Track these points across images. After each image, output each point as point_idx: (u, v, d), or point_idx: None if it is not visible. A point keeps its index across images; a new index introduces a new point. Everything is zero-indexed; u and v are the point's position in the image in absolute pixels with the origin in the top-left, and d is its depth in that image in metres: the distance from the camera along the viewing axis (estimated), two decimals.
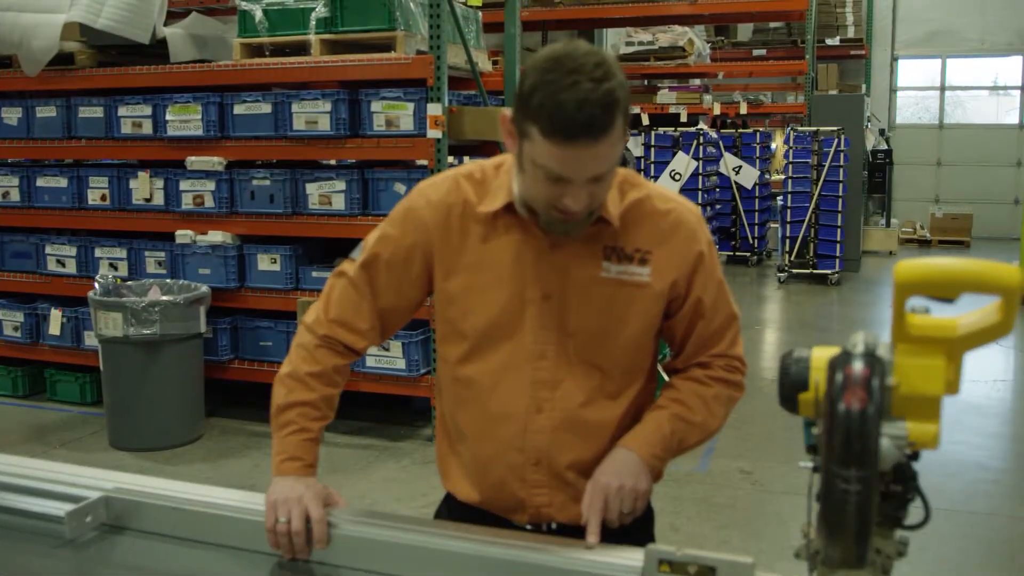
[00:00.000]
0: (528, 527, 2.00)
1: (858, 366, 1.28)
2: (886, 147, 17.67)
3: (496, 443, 1.98)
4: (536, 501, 1.98)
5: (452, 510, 2.12)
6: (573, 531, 1.89)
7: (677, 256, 1.94)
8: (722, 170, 14.20)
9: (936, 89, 19.80)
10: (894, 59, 19.79)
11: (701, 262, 1.96)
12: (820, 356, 1.40)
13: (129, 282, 6.35)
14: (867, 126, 14.57)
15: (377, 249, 2.03)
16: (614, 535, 1.83)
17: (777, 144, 16.87)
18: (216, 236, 6.46)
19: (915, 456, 1.40)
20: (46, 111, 6.84)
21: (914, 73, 19.95)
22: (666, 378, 2.10)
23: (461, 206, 1.97)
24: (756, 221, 14.69)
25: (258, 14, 6.34)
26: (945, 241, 17.07)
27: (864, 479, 1.25)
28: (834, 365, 1.30)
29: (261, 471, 5.59)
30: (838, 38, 15.95)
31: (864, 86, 18.47)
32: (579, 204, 1.76)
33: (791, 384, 1.41)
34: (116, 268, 6.74)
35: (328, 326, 2.03)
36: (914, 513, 1.41)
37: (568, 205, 1.76)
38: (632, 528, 1.94)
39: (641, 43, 13.99)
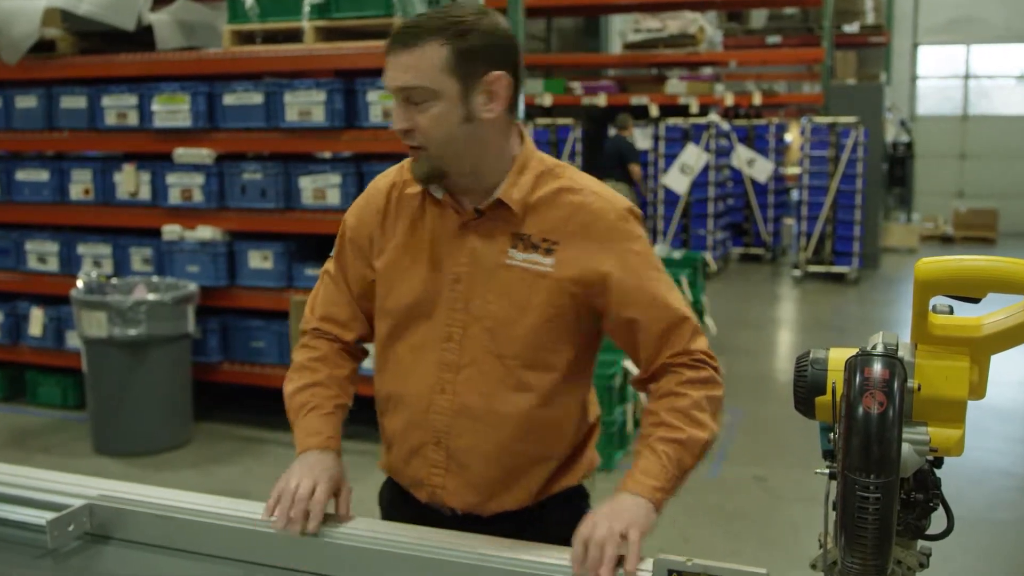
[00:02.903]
0: (444, 510, 2.07)
1: (877, 368, 1.27)
2: (907, 139, 17.62)
3: (404, 419, 2.06)
4: (433, 480, 2.04)
5: (384, 483, 2.26)
6: (470, 521, 2.00)
7: (586, 252, 1.94)
8: (734, 163, 14.19)
9: (960, 78, 19.67)
10: (915, 46, 19.67)
11: (617, 263, 1.94)
12: (838, 358, 1.40)
13: (114, 280, 6.27)
14: (887, 117, 14.51)
15: (342, 240, 2.13)
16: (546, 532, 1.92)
17: (792, 136, 16.83)
18: (205, 232, 6.33)
19: (938, 463, 1.40)
20: (26, 101, 6.73)
21: (936, 61, 19.86)
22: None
23: (400, 188, 2.06)
24: (770, 216, 14.62)
25: (249, 0, 6.18)
26: (969, 238, 17.01)
27: (884, 486, 1.24)
28: (852, 367, 1.29)
29: (253, 477, 5.50)
30: (857, 24, 15.84)
31: (884, 75, 18.36)
32: (398, 122, 1.88)
33: (807, 387, 1.42)
34: (100, 265, 6.64)
35: (316, 322, 2.17)
36: (936, 522, 1.40)
37: (392, 123, 1.90)
38: (580, 497, 2.13)
39: (650, 30, 13.92)
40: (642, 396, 6.23)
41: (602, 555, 1.72)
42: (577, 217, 1.94)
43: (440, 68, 1.83)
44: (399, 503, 2.15)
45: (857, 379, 1.26)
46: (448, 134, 1.87)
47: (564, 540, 1.80)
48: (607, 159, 12.81)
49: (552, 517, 2.04)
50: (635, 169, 12.75)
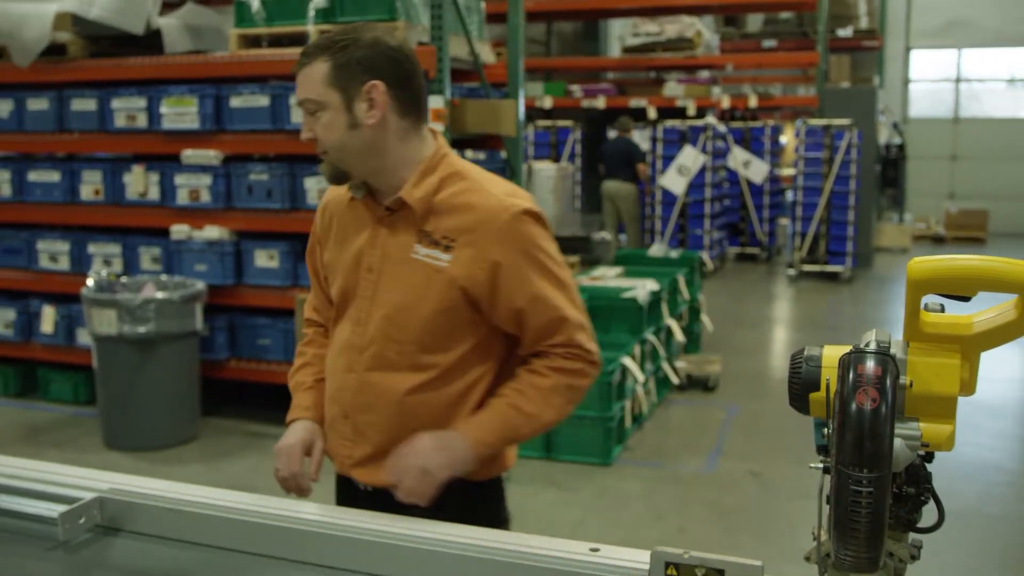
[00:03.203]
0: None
1: (870, 365, 1.28)
2: (899, 141, 17.65)
3: (327, 394, 2.26)
4: (342, 451, 2.23)
5: None
6: (380, 496, 2.15)
7: (480, 251, 2.07)
8: (731, 164, 14.20)
9: (951, 81, 19.72)
10: (908, 50, 19.73)
11: (503, 261, 2.07)
12: (831, 355, 1.39)
13: (123, 279, 6.30)
14: (880, 119, 14.52)
15: (312, 239, 2.36)
16: (456, 507, 2.08)
17: (787, 138, 16.85)
18: (212, 232, 6.38)
19: (929, 457, 1.41)
20: (38, 103, 6.77)
21: (928, 65, 19.93)
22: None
23: (342, 190, 2.25)
24: (765, 217, 14.68)
25: (255, 4, 6.24)
26: (960, 238, 17.08)
27: (876, 480, 1.25)
28: (846, 364, 1.29)
29: (259, 472, 5.53)
30: (850, 29, 15.84)
31: (877, 78, 18.38)
32: (303, 132, 2.09)
33: (802, 383, 1.41)
34: (110, 264, 6.67)
35: (309, 312, 2.44)
36: (927, 516, 1.40)
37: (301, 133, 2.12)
38: (475, 502, 2.23)
39: (648, 34, 13.96)
40: (639, 392, 6.34)
41: (402, 481, 2.05)
42: (474, 217, 2.07)
43: (323, 81, 2.03)
44: (342, 482, 2.32)
45: (851, 376, 1.27)
46: (339, 140, 2.06)
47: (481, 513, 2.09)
48: (614, 160, 12.88)
49: (449, 503, 2.10)
50: (643, 168, 12.85)
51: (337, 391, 2.22)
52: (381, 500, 2.13)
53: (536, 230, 2.12)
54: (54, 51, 6.55)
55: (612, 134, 13.79)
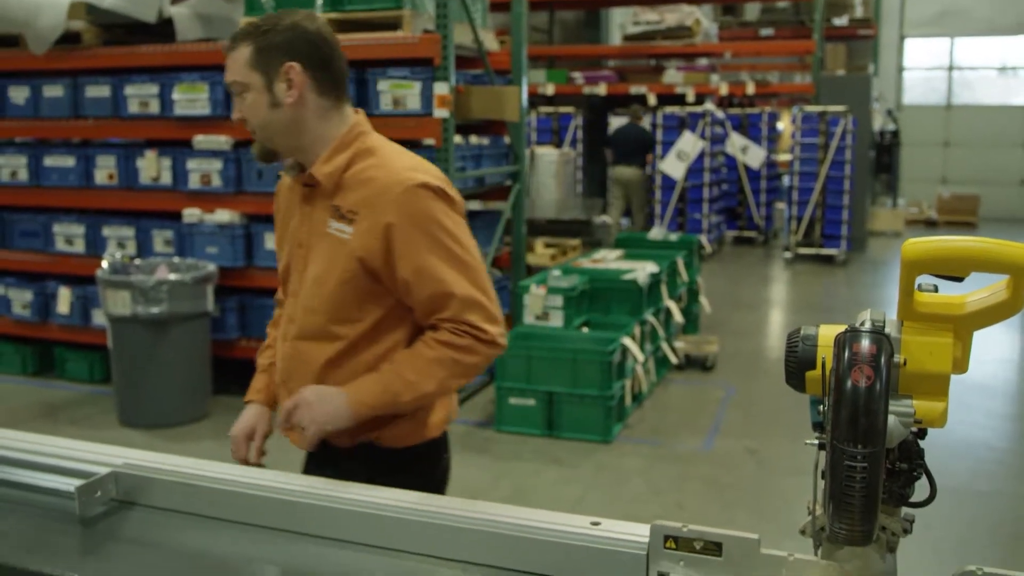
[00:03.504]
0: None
1: (865, 343, 1.27)
2: (893, 127, 17.68)
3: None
4: (281, 416, 2.29)
5: None
6: (317, 458, 2.31)
7: (376, 224, 2.13)
8: (729, 150, 14.24)
9: (944, 69, 19.76)
10: (902, 39, 19.75)
11: (393, 231, 2.13)
12: (827, 334, 1.39)
13: (137, 261, 6.38)
14: (874, 106, 14.57)
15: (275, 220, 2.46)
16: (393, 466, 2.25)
17: (784, 124, 16.87)
18: (223, 215, 6.47)
19: (921, 434, 1.40)
20: (53, 90, 6.84)
21: (922, 53, 19.92)
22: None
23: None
24: (762, 201, 14.74)
25: None
26: (952, 222, 17.12)
27: (870, 456, 1.25)
28: (841, 342, 1.29)
29: (268, 449, 5.58)
30: (846, 17, 15.87)
31: (872, 66, 18.46)
32: (234, 113, 2.21)
33: (798, 362, 1.41)
34: (124, 247, 6.75)
35: (279, 292, 2.49)
36: (920, 491, 1.41)
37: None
38: (410, 463, 2.28)
39: (648, 23, 13.97)
40: (639, 371, 6.46)
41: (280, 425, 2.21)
42: (373, 190, 2.15)
43: (246, 64, 2.14)
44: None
45: (846, 354, 1.27)
46: (262, 119, 2.17)
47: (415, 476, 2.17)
48: (626, 146, 12.98)
49: (379, 468, 2.21)
50: (650, 157, 13.02)
51: (278, 359, 2.33)
52: (324, 462, 2.27)
53: (434, 204, 2.15)
54: (69, 39, 6.62)
55: (620, 121, 13.87)
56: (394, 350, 2.22)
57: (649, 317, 6.82)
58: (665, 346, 7.19)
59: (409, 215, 2.12)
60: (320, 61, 2.17)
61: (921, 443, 1.40)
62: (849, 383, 1.26)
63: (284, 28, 2.14)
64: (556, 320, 6.44)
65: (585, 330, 6.54)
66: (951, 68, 19.71)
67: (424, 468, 2.30)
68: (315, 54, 2.17)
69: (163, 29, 6.63)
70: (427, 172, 2.19)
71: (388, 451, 2.28)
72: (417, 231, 2.13)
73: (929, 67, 19.94)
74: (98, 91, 6.72)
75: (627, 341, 6.16)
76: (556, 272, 6.80)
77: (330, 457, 2.28)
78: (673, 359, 7.28)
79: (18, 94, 6.94)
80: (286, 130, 2.18)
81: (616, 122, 14.10)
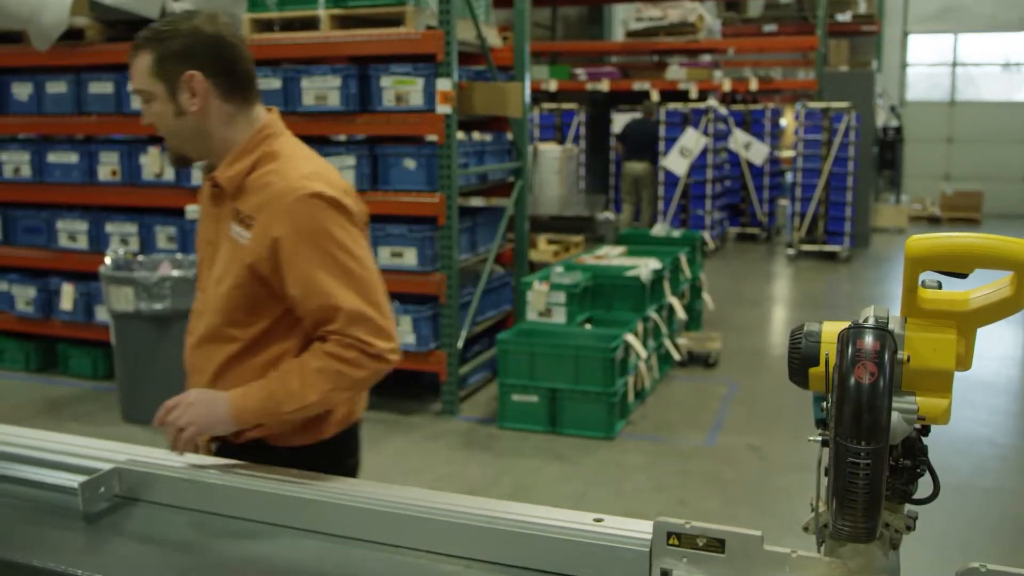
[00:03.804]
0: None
1: (869, 340, 1.27)
2: (897, 124, 17.67)
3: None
4: None
5: None
6: (226, 451, 2.27)
7: (267, 230, 2.12)
8: (732, 146, 14.23)
9: (948, 65, 19.74)
10: (905, 35, 19.74)
11: (281, 243, 2.11)
12: (831, 330, 1.38)
13: (140, 257, 6.38)
14: (878, 103, 14.55)
15: None
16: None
17: (787, 120, 16.86)
18: None
19: (925, 431, 1.40)
20: (56, 86, 6.86)
21: (925, 49, 19.91)
22: None
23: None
24: (765, 197, 14.73)
25: None
26: (955, 218, 17.09)
27: (874, 453, 1.25)
28: (845, 339, 1.29)
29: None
30: (849, 13, 15.85)
31: (875, 62, 18.43)
32: (144, 118, 2.20)
33: (802, 359, 1.40)
34: (127, 243, 6.77)
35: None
36: (923, 488, 1.41)
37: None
38: (307, 462, 2.16)
39: (651, 19, 13.97)
40: (641, 368, 6.46)
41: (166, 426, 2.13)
42: (267, 196, 2.13)
43: (148, 73, 2.12)
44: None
45: (849, 351, 1.27)
46: (169, 127, 2.17)
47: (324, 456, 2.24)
48: (639, 141, 13.04)
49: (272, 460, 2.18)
50: None
51: (186, 353, 2.35)
52: (227, 454, 2.25)
53: (326, 214, 2.12)
54: (72, 35, 6.62)
55: (623, 117, 13.88)
56: (285, 357, 2.21)
57: (652, 314, 6.82)
58: (668, 343, 7.20)
59: (298, 226, 2.10)
60: (222, 67, 2.15)
61: (924, 440, 1.40)
62: (852, 380, 1.26)
63: (183, 34, 2.11)
64: (559, 316, 6.44)
65: (588, 327, 6.54)
66: (954, 64, 19.69)
67: (323, 468, 2.13)
68: (216, 60, 2.14)
69: None
70: (325, 181, 2.17)
71: (281, 450, 2.26)
72: (305, 243, 2.10)
73: (932, 63, 19.92)
74: (101, 87, 6.73)
75: (630, 338, 6.16)
76: (559, 268, 6.80)
77: (229, 453, 2.26)
78: (676, 356, 7.29)
79: (21, 90, 6.95)
80: (194, 137, 2.18)
81: (620, 118, 14.08)
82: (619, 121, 14.13)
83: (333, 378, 2.12)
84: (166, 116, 2.15)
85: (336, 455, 2.38)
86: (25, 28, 6.69)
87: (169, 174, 6.65)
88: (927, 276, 1.36)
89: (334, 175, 2.23)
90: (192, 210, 6.53)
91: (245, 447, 2.25)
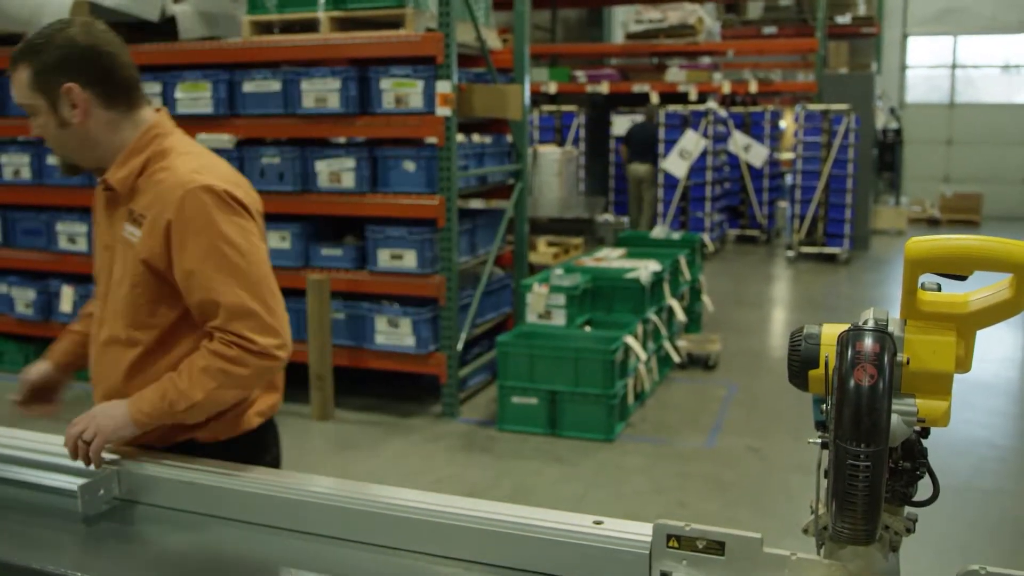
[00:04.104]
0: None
1: (868, 342, 1.28)
2: (896, 126, 17.69)
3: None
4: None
5: None
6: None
7: (156, 226, 2.13)
8: (731, 148, 14.23)
9: (947, 67, 19.75)
10: (905, 37, 19.75)
11: (170, 231, 2.12)
12: (830, 333, 1.39)
13: None
14: (877, 105, 14.56)
15: None
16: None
17: (787, 123, 16.85)
18: None
19: (925, 433, 1.40)
20: None
21: (925, 51, 19.92)
22: None
23: None
24: (765, 200, 14.73)
25: None
26: (955, 220, 17.11)
27: (873, 455, 1.25)
28: (844, 341, 1.30)
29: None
30: (849, 16, 15.86)
31: (875, 64, 18.44)
32: (32, 130, 2.19)
33: (801, 361, 1.41)
34: None
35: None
36: (923, 490, 1.41)
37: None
38: (234, 454, 2.20)
39: (651, 21, 13.97)
40: (641, 370, 6.46)
41: (72, 449, 2.09)
42: (158, 192, 2.14)
43: (27, 87, 2.13)
44: None
45: (849, 353, 1.27)
46: (55, 139, 2.18)
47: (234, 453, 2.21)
48: (642, 143, 13.08)
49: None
50: None
51: (91, 363, 2.35)
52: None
53: (214, 208, 2.12)
54: None
55: (623, 119, 13.90)
56: (188, 356, 2.20)
57: (651, 316, 6.82)
58: (667, 345, 7.20)
59: (186, 218, 2.10)
60: (99, 76, 2.14)
61: (924, 442, 1.41)
62: (852, 382, 1.26)
63: (57, 46, 2.10)
64: (559, 319, 6.44)
65: (587, 329, 6.54)
66: (954, 66, 19.70)
67: (247, 458, 2.20)
68: (93, 70, 2.13)
69: (166, 27, 6.63)
70: (215, 174, 2.17)
71: (209, 445, 2.28)
72: (192, 235, 2.10)
73: (932, 65, 19.93)
74: None
75: (629, 340, 6.16)
76: (558, 271, 6.80)
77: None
78: (675, 358, 7.29)
79: None
80: (80, 146, 2.18)
81: (620, 120, 14.09)
82: (619, 123, 14.14)
83: (217, 376, 2.11)
84: (50, 128, 2.16)
85: (259, 444, 2.38)
86: (25, 31, 6.66)
87: None
88: (927, 278, 1.36)
89: (225, 168, 2.24)
90: None
91: (174, 449, 2.26)
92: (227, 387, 2.14)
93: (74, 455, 2.09)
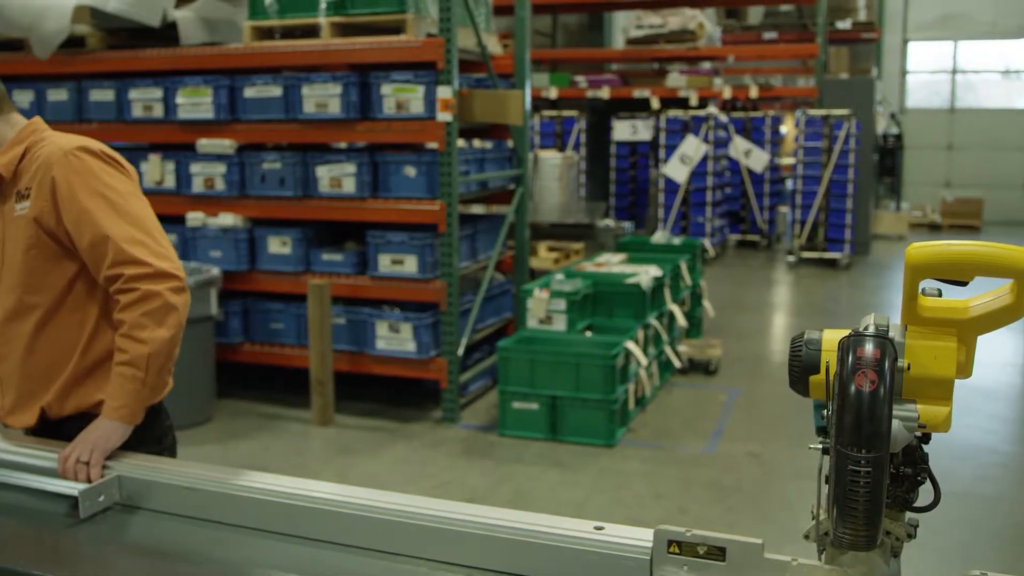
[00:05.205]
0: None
1: (869, 348, 1.28)
2: (897, 131, 17.70)
3: None
4: (2, 403, 2.45)
5: None
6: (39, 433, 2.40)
7: (42, 189, 2.30)
8: (732, 154, 14.23)
9: (948, 73, 19.76)
10: (905, 42, 19.77)
11: (56, 188, 2.29)
12: (831, 338, 1.39)
13: None
14: (878, 110, 14.56)
15: None
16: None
17: (787, 128, 16.88)
18: (227, 219, 6.49)
19: (926, 439, 1.40)
20: (57, 94, 6.87)
21: (925, 56, 19.92)
22: None
23: None
24: (766, 205, 14.73)
25: None
26: (956, 225, 17.11)
27: (874, 461, 1.25)
28: (845, 347, 1.30)
29: (271, 452, 5.66)
30: (849, 21, 15.87)
31: (875, 69, 18.47)
32: None
33: (802, 366, 1.41)
34: None
35: None
36: (924, 496, 1.40)
37: None
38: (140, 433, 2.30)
39: (651, 26, 13.98)
40: (642, 375, 6.44)
41: (72, 476, 2.13)
42: (41, 163, 2.32)
43: None
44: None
45: (850, 358, 1.27)
46: None
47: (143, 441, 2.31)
48: None
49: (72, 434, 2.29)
50: None
51: None
52: (44, 433, 2.40)
53: (93, 162, 2.34)
54: (73, 43, 6.64)
55: (630, 124, 13.96)
56: (87, 322, 2.37)
57: (652, 321, 6.82)
58: (668, 350, 7.20)
59: (68, 172, 2.29)
60: None
61: (925, 447, 1.41)
62: (853, 387, 1.27)
63: None
64: (559, 324, 6.44)
65: (588, 334, 6.54)
66: (954, 71, 19.71)
67: (145, 424, 2.34)
68: None
69: (167, 33, 6.64)
70: (91, 142, 2.39)
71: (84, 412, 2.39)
72: (77, 185, 2.29)
73: (932, 70, 19.95)
74: (102, 95, 6.74)
75: (630, 345, 6.16)
76: (559, 276, 6.80)
77: (52, 429, 2.40)
78: (676, 363, 7.29)
79: (22, 98, 6.95)
80: None
81: (621, 125, 14.12)
82: (620, 129, 14.16)
83: (146, 321, 2.23)
84: None
85: (159, 413, 2.50)
86: (26, 36, 6.71)
87: (170, 181, 6.65)
88: (927, 284, 1.37)
89: (100, 144, 2.42)
90: (194, 217, 6.54)
91: (67, 420, 2.38)
92: (165, 322, 2.25)
93: (74, 478, 2.14)
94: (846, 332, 1.35)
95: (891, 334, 1.33)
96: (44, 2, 6.55)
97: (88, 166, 2.31)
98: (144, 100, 6.59)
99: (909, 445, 1.37)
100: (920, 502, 1.42)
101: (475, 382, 6.77)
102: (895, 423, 1.29)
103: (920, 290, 1.37)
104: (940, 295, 1.40)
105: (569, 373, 5.88)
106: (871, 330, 1.32)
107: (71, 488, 2.04)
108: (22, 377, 2.39)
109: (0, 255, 2.41)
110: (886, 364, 1.27)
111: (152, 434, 2.44)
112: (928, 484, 1.41)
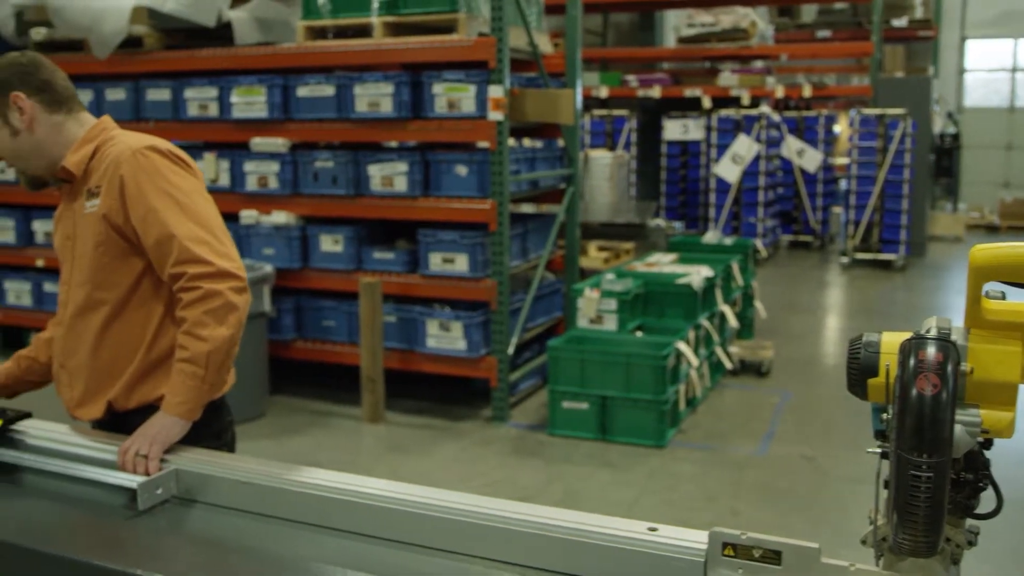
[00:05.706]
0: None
1: (931, 351, 1.26)
2: (954, 130, 17.43)
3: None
4: (64, 397, 2.53)
5: None
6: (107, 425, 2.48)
7: (112, 186, 2.37)
8: (785, 153, 14.10)
9: (1007, 71, 19.41)
10: (963, 40, 19.45)
11: (124, 185, 2.36)
12: (891, 341, 1.38)
13: None
14: (934, 109, 14.35)
15: None
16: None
17: (841, 127, 16.70)
18: (280, 217, 6.55)
19: (988, 444, 1.38)
20: (116, 93, 6.98)
21: (984, 54, 19.58)
22: None
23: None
24: (819, 205, 14.57)
25: None
26: (1014, 227, 16.77)
27: (936, 466, 1.24)
28: (906, 350, 1.29)
29: (322, 448, 5.71)
30: (905, 19, 15.65)
31: (932, 68, 18.18)
32: None
33: (861, 369, 1.40)
34: None
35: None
36: (985, 502, 1.39)
37: None
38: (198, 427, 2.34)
39: (703, 25, 13.89)
40: (693, 376, 6.41)
41: (131, 468, 2.16)
42: (110, 162, 2.39)
43: None
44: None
45: (912, 361, 1.26)
46: (10, 149, 2.45)
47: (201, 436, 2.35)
48: None
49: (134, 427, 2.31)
50: None
51: (55, 349, 2.55)
52: (110, 427, 2.46)
53: (160, 161, 2.40)
54: (131, 44, 6.75)
55: (681, 124, 13.90)
56: (153, 318, 2.44)
57: (703, 321, 6.78)
58: (719, 351, 7.15)
59: (136, 170, 2.36)
60: (39, 85, 2.43)
61: (987, 453, 1.39)
62: (914, 391, 1.25)
63: (1, 66, 2.43)
64: (610, 324, 6.42)
65: (639, 334, 6.51)
66: (1014, 70, 19.35)
67: (205, 420, 2.39)
68: (33, 80, 2.42)
69: (222, 33, 6.73)
70: (159, 141, 2.46)
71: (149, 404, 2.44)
72: (145, 184, 2.35)
73: (991, 69, 19.61)
74: (159, 94, 6.84)
75: (681, 345, 6.13)
76: (610, 276, 6.78)
77: (118, 423, 2.45)
78: (727, 364, 7.24)
79: (82, 97, 6.90)
80: (33, 152, 2.45)
81: (672, 125, 14.05)
82: (671, 128, 14.09)
83: (208, 319, 2.29)
84: (4, 140, 2.43)
85: (216, 408, 2.52)
86: (86, 36, 6.83)
87: (224, 179, 6.73)
88: (991, 287, 1.35)
89: (167, 142, 2.48)
90: (248, 215, 6.62)
91: (131, 413, 2.43)
92: (226, 321, 2.31)
93: (132, 470, 2.18)
94: (905, 335, 1.33)
95: (953, 337, 1.31)
96: (103, 3, 6.67)
97: (155, 165, 2.37)
98: (199, 99, 6.68)
99: (971, 451, 1.34)
100: (981, 509, 1.40)
101: (525, 381, 6.78)
102: (957, 428, 1.27)
103: (984, 292, 1.35)
104: (1004, 298, 1.38)
105: (619, 373, 5.86)
106: (933, 333, 1.30)
107: (130, 480, 2.07)
108: (90, 371, 2.46)
109: (71, 251, 2.48)
110: (948, 368, 1.26)
111: (212, 429, 2.49)
112: (990, 491, 1.39)
